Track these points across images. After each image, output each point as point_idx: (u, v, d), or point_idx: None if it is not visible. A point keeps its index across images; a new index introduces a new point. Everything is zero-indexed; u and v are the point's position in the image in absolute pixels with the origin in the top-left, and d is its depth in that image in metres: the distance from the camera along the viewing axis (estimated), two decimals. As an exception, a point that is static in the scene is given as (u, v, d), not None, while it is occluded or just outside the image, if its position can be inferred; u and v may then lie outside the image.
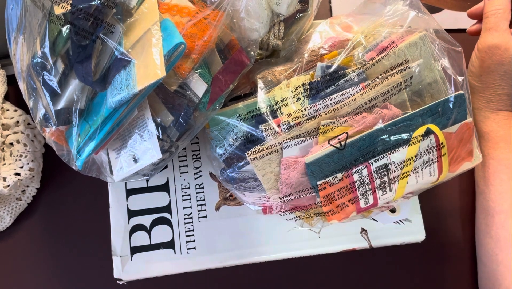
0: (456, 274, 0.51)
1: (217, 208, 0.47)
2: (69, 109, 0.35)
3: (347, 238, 0.47)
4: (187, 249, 0.46)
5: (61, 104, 0.35)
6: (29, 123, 0.49)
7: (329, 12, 0.57)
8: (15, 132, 0.48)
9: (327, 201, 0.37)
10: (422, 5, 0.40)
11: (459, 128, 0.38)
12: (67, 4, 0.31)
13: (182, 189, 0.47)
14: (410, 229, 0.47)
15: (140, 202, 0.47)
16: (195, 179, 0.48)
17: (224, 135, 0.40)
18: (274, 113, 0.38)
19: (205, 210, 0.47)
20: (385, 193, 0.37)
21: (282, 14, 0.41)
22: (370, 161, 0.36)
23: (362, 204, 0.37)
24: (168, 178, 0.48)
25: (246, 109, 0.39)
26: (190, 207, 0.47)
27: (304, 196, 0.37)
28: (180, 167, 0.48)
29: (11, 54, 0.39)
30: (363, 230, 0.47)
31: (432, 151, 0.37)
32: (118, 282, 0.46)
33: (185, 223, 0.47)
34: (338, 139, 0.35)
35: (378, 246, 0.47)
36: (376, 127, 0.35)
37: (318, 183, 0.36)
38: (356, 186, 0.36)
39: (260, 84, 0.40)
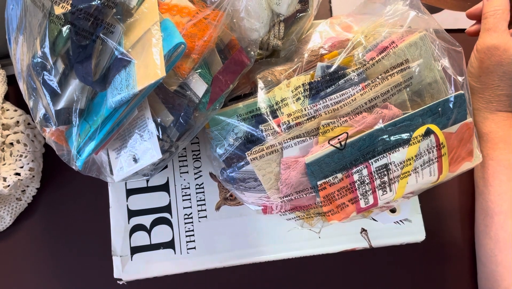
0: (456, 274, 0.51)
1: (217, 208, 0.47)
2: (69, 109, 0.35)
3: (347, 238, 0.47)
4: (187, 249, 0.46)
5: (61, 104, 0.35)
6: (29, 123, 0.49)
7: (329, 12, 0.57)
8: (15, 132, 0.48)
9: (327, 201, 0.37)
10: (422, 5, 0.40)
11: (459, 128, 0.38)
12: (67, 4, 0.31)
13: (182, 189, 0.47)
14: (410, 229, 0.47)
15: (140, 202, 0.47)
16: (195, 179, 0.48)
17: (224, 135, 0.40)
18: (274, 113, 0.38)
19: (205, 210, 0.47)
20: (385, 193, 0.37)
21: (282, 14, 0.41)
22: (370, 161, 0.36)
23: (362, 204, 0.37)
24: (168, 178, 0.48)
25: (246, 109, 0.39)
26: (190, 207, 0.47)
27: (304, 196, 0.37)
28: (180, 167, 0.48)
29: (11, 54, 0.39)
30: (363, 230, 0.47)
31: (432, 151, 0.37)
32: (118, 282, 0.46)
33: (185, 223, 0.47)
34: (338, 139, 0.35)
35: (378, 246, 0.47)
36: (376, 127, 0.35)
37: (318, 183, 0.36)
38: (356, 186, 0.36)
39: (260, 84, 0.40)
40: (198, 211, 0.47)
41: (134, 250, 0.46)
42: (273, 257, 0.46)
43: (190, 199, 0.47)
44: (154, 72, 0.31)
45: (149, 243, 0.46)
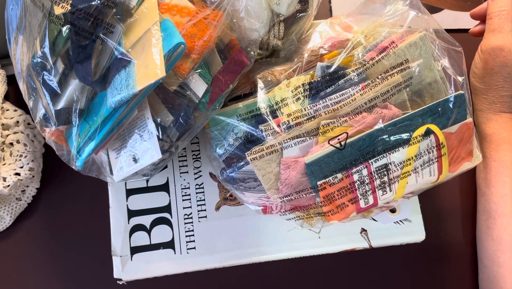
0: (456, 274, 0.51)
1: (217, 208, 0.47)
2: (69, 109, 0.35)
3: (347, 238, 0.47)
4: (187, 249, 0.46)
5: (61, 104, 0.35)
6: (29, 123, 0.49)
7: (329, 12, 0.57)
8: (15, 133, 0.48)
9: (327, 201, 0.37)
10: (422, 5, 0.40)
11: (459, 128, 0.38)
12: (67, 4, 0.31)
13: (182, 189, 0.47)
14: (410, 229, 0.47)
15: (140, 202, 0.47)
16: (195, 179, 0.48)
17: (224, 135, 0.40)
18: (274, 113, 0.38)
19: (205, 210, 0.47)
20: (385, 193, 0.37)
21: (282, 14, 0.41)
22: (370, 161, 0.36)
23: (362, 204, 0.37)
24: (168, 178, 0.48)
25: (246, 109, 0.39)
26: (190, 207, 0.47)
27: (304, 196, 0.37)
28: (180, 167, 0.48)
29: (11, 54, 0.39)
30: (363, 230, 0.47)
31: (432, 151, 0.37)
32: (118, 282, 0.46)
33: (185, 223, 0.47)
34: (338, 139, 0.35)
35: (378, 246, 0.47)
36: (376, 127, 0.35)
37: (318, 183, 0.36)
38: (356, 186, 0.36)
39: (260, 84, 0.40)
40: (198, 211, 0.47)
41: (134, 250, 0.46)
42: (273, 257, 0.46)
43: (190, 199, 0.47)
44: (154, 72, 0.31)
45: (149, 243, 0.46)
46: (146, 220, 0.47)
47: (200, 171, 0.48)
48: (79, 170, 0.39)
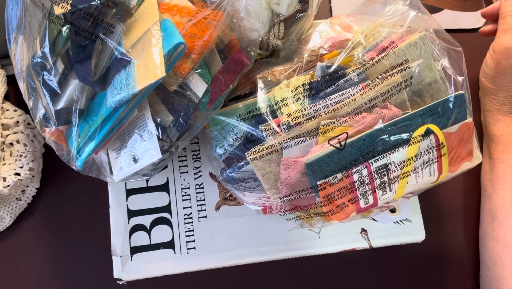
0: (456, 274, 0.51)
1: (217, 208, 0.47)
2: (69, 109, 0.35)
3: (347, 238, 0.47)
4: (187, 249, 0.46)
5: (61, 104, 0.35)
6: (29, 123, 0.49)
7: (329, 12, 0.57)
8: (15, 133, 0.48)
9: (327, 201, 0.37)
10: (422, 5, 0.40)
11: (459, 128, 0.38)
12: (67, 4, 0.31)
13: (182, 189, 0.47)
14: (410, 229, 0.47)
15: (140, 202, 0.47)
16: (195, 179, 0.48)
17: (224, 135, 0.40)
18: (274, 113, 0.38)
19: (205, 210, 0.47)
20: (385, 193, 0.37)
21: (282, 14, 0.41)
22: (370, 161, 0.36)
23: (362, 204, 0.37)
24: (168, 178, 0.48)
25: (246, 109, 0.39)
26: (190, 207, 0.47)
27: (304, 196, 0.37)
28: (180, 167, 0.48)
29: (11, 54, 0.39)
30: (363, 230, 0.47)
31: (432, 151, 0.37)
32: (118, 282, 0.46)
33: (185, 223, 0.47)
34: (338, 139, 0.35)
35: (378, 246, 0.47)
36: (376, 127, 0.35)
37: (318, 183, 0.36)
38: (356, 186, 0.36)
39: (260, 84, 0.40)
40: (198, 211, 0.47)
41: (134, 250, 0.46)
42: (273, 257, 0.46)
43: (190, 199, 0.47)
44: (154, 72, 0.31)
45: (149, 243, 0.46)
46: (146, 220, 0.47)
47: (200, 171, 0.48)
48: (79, 170, 0.39)
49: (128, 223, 0.46)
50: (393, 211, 0.47)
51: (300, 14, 0.43)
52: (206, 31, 0.35)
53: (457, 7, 0.57)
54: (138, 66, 0.32)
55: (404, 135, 0.36)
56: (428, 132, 0.36)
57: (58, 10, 0.31)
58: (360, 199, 0.37)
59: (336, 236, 0.47)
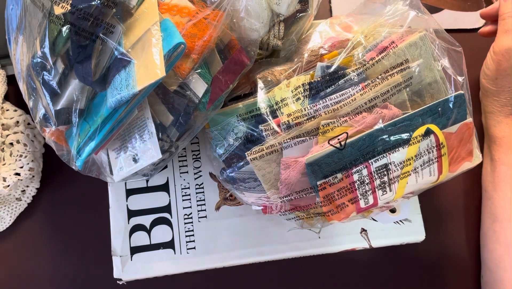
0: (456, 274, 0.51)
1: (217, 208, 0.47)
2: (69, 109, 0.35)
3: (347, 238, 0.47)
4: (187, 249, 0.46)
5: (61, 104, 0.35)
6: (29, 123, 0.49)
7: (329, 12, 0.57)
8: (15, 133, 0.48)
9: (327, 201, 0.37)
10: (422, 5, 0.40)
11: (459, 128, 0.38)
12: (67, 4, 0.31)
13: (182, 189, 0.47)
14: (410, 229, 0.47)
15: (140, 202, 0.47)
16: (195, 179, 0.48)
17: (224, 135, 0.40)
18: (274, 113, 0.38)
19: (205, 210, 0.47)
20: (385, 193, 0.37)
21: (282, 14, 0.41)
22: (370, 161, 0.36)
23: (362, 204, 0.37)
24: (168, 178, 0.48)
25: (246, 109, 0.39)
26: (190, 207, 0.47)
27: (304, 196, 0.37)
28: (180, 167, 0.48)
29: (11, 54, 0.39)
30: (363, 230, 0.47)
31: (432, 151, 0.37)
32: (118, 282, 0.46)
33: (185, 223, 0.47)
34: (338, 139, 0.35)
35: (378, 246, 0.47)
36: (376, 127, 0.35)
37: (318, 183, 0.36)
38: (356, 186, 0.36)
39: (260, 84, 0.40)
40: (198, 211, 0.47)
41: (134, 250, 0.46)
42: (273, 257, 0.46)
43: (190, 199, 0.47)
44: (154, 72, 0.31)
45: (149, 243, 0.46)
46: (146, 220, 0.47)
47: (200, 171, 0.48)
48: (79, 170, 0.39)
49: (128, 223, 0.46)
50: (393, 211, 0.47)
51: (300, 14, 0.43)
52: (206, 31, 0.35)
53: (457, 7, 0.57)
54: (138, 66, 0.32)
55: (404, 135, 0.36)
56: (428, 132, 0.36)
57: (58, 10, 0.31)
58: (360, 199, 0.37)
59: (336, 236, 0.47)
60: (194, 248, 0.46)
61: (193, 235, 0.46)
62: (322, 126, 0.36)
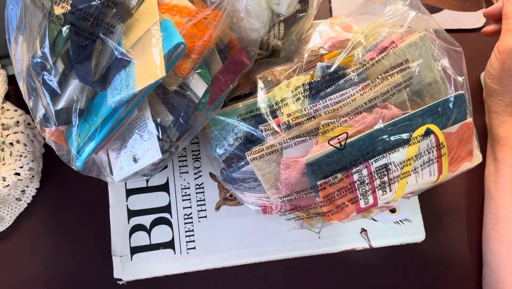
0: (456, 274, 0.51)
1: (217, 208, 0.47)
2: (69, 109, 0.35)
3: (347, 238, 0.47)
4: (187, 249, 0.46)
5: (61, 104, 0.35)
6: (29, 123, 0.49)
7: (329, 12, 0.57)
8: (15, 132, 0.48)
9: (327, 201, 0.37)
10: (422, 5, 0.40)
11: (459, 128, 0.38)
12: (67, 4, 0.31)
13: (182, 189, 0.47)
14: (410, 229, 0.47)
15: (140, 202, 0.47)
16: (195, 179, 0.48)
17: (224, 135, 0.40)
18: (274, 113, 0.38)
19: (205, 210, 0.47)
20: (385, 193, 0.37)
21: (282, 14, 0.41)
22: (370, 161, 0.36)
23: (362, 204, 0.37)
24: (168, 178, 0.48)
25: (246, 109, 0.39)
26: (190, 207, 0.47)
27: (304, 196, 0.37)
28: (180, 167, 0.48)
29: (11, 54, 0.39)
30: (363, 230, 0.47)
31: (432, 151, 0.37)
32: (118, 282, 0.46)
33: (185, 223, 0.47)
34: (338, 139, 0.35)
35: (378, 246, 0.47)
36: (376, 127, 0.35)
37: (318, 183, 0.36)
38: (356, 186, 0.36)
39: (260, 84, 0.40)
40: (198, 211, 0.47)
41: (134, 250, 0.46)
42: (273, 257, 0.46)
43: (190, 199, 0.47)
44: (154, 72, 0.31)
45: (149, 243, 0.46)
46: (146, 220, 0.47)
47: (200, 171, 0.48)
48: (79, 170, 0.39)
49: (128, 223, 0.46)
50: (393, 211, 0.47)
51: (300, 14, 0.43)
52: (206, 31, 0.35)
53: (457, 7, 0.57)
54: (138, 66, 0.32)
55: (404, 136, 0.36)
56: (428, 133, 0.36)
57: (58, 10, 0.31)
58: (360, 199, 0.37)
59: (336, 236, 0.47)
60: (194, 248, 0.46)
61: (193, 235, 0.46)
62: (322, 126, 0.36)
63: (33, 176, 0.49)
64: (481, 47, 0.55)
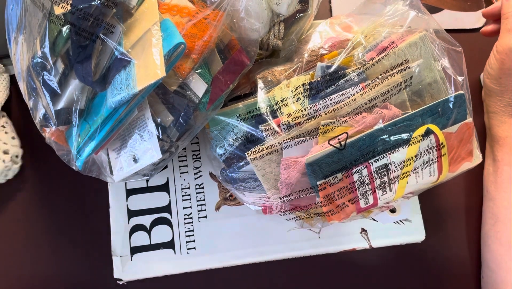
0: (456, 274, 0.51)
1: (217, 208, 0.47)
2: (69, 109, 0.35)
3: (347, 238, 0.47)
4: (187, 249, 0.46)
5: (61, 104, 0.35)
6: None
7: (329, 12, 0.57)
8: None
9: (327, 201, 0.37)
10: (422, 5, 0.40)
11: (459, 128, 0.38)
12: (67, 4, 0.31)
13: (182, 189, 0.47)
14: (410, 229, 0.47)
15: (140, 202, 0.47)
16: (195, 179, 0.48)
17: (224, 135, 0.40)
18: (274, 113, 0.38)
19: (205, 210, 0.47)
20: (385, 193, 0.37)
21: (282, 14, 0.41)
22: (370, 161, 0.36)
23: (362, 204, 0.37)
24: (168, 178, 0.48)
25: (246, 109, 0.39)
26: (190, 207, 0.47)
27: (304, 196, 0.37)
28: (180, 167, 0.48)
29: (11, 54, 0.39)
30: (363, 230, 0.47)
31: (432, 151, 0.37)
32: (118, 282, 0.46)
33: (185, 223, 0.47)
34: (338, 139, 0.35)
35: (378, 246, 0.47)
36: (376, 127, 0.35)
37: (318, 183, 0.36)
38: (356, 186, 0.36)
39: (260, 84, 0.40)
40: (198, 211, 0.47)
41: (134, 250, 0.46)
42: (273, 257, 0.46)
43: (190, 199, 0.47)
44: (154, 72, 0.31)
45: (149, 243, 0.46)
46: (146, 220, 0.47)
47: (200, 171, 0.48)
48: (79, 170, 0.39)
49: (128, 223, 0.46)
50: (393, 211, 0.47)
51: (300, 14, 0.43)
52: (206, 31, 0.35)
53: (457, 7, 0.57)
54: (138, 66, 0.32)
55: (404, 136, 0.36)
56: (428, 133, 0.36)
57: (58, 10, 0.31)
58: (360, 199, 0.37)
59: (336, 236, 0.47)
60: (194, 248, 0.46)
61: (193, 235, 0.46)
62: (322, 126, 0.36)
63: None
64: (481, 47, 0.55)
